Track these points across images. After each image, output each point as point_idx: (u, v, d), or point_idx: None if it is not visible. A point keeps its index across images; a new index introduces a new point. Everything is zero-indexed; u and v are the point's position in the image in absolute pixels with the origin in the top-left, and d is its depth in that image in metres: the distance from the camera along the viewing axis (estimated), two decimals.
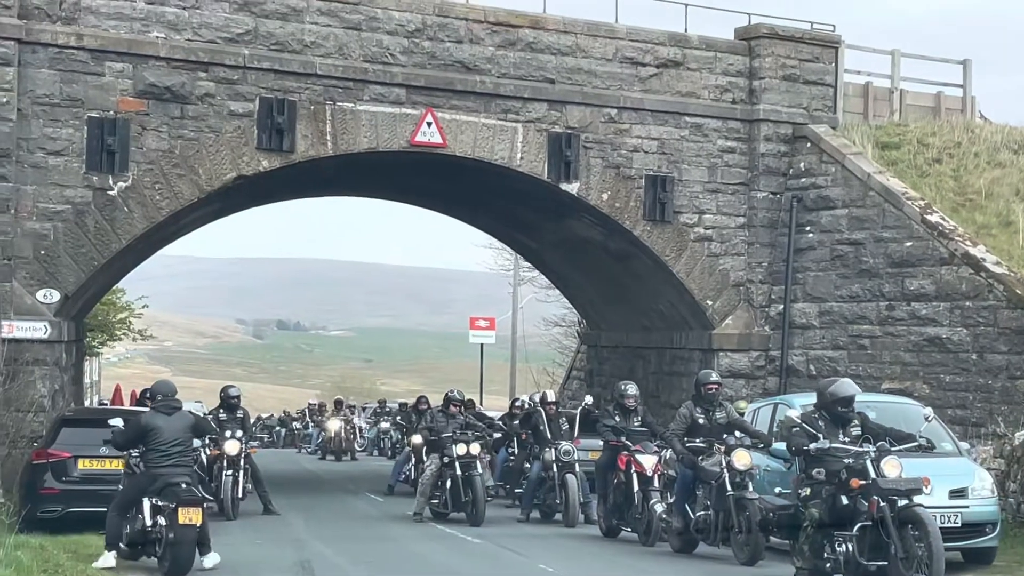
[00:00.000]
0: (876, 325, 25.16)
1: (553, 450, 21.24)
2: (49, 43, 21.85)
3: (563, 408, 23.08)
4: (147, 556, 14.99)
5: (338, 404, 43.58)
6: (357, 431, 43.02)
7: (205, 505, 14.74)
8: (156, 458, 14.78)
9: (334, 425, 40.55)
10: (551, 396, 23.05)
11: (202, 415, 23.01)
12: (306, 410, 53.64)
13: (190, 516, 14.20)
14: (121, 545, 15.05)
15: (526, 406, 25.78)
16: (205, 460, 21.76)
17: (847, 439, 13.72)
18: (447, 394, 22.93)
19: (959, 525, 15.81)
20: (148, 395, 26.42)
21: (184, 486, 14.54)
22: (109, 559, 14.96)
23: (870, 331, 25.26)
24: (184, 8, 22.88)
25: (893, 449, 13.69)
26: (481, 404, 30.53)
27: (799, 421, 14.02)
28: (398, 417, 36.56)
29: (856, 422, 13.98)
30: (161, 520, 14.47)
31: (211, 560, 14.85)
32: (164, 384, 15.94)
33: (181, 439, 14.93)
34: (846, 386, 14.07)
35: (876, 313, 25.21)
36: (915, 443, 14.10)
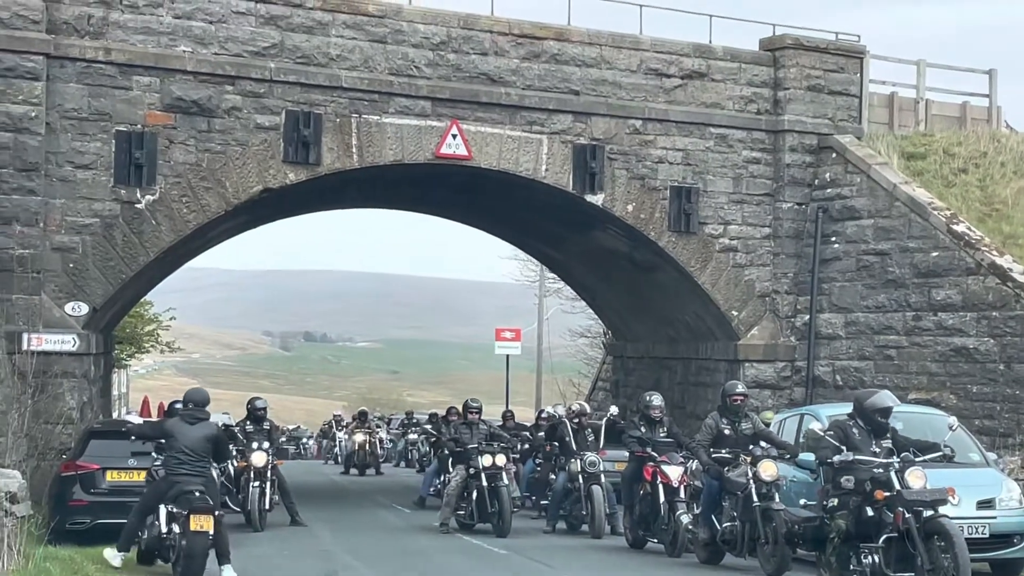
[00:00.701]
0: (903, 335, 25.10)
1: (579, 461, 21.24)
2: (77, 57, 22.01)
3: (589, 419, 23.05)
4: (163, 562, 15.17)
5: (362, 416, 42.08)
6: (378, 443, 42.01)
7: (219, 514, 14.80)
8: (173, 464, 14.99)
9: (359, 438, 39.47)
10: (587, 408, 23.10)
11: (232, 426, 23.15)
12: (332, 421, 52.43)
13: (201, 523, 14.30)
14: (137, 549, 15.31)
15: (552, 416, 25.75)
16: (232, 472, 21.85)
17: (878, 450, 13.73)
18: (466, 402, 23.00)
19: (986, 536, 15.74)
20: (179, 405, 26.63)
21: (197, 494, 14.63)
22: (117, 559, 15.27)
23: (896, 341, 25.21)
24: (211, 22, 23.02)
25: (917, 460, 13.66)
26: (512, 416, 30.33)
27: (821, 433, 14.03)
28: (428, 427, 35.72)
29: (889, 435, 14.01)
30: (176, 527, 14.66)
31: (227, 573, 14.83)
32: (195, 392, 16.09)
33: (199, 448, 15.03)
34: (885, 398, 14.14)
35: (902, 323, 25.15)
36: (939, 453, 14.08)
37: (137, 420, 16.19)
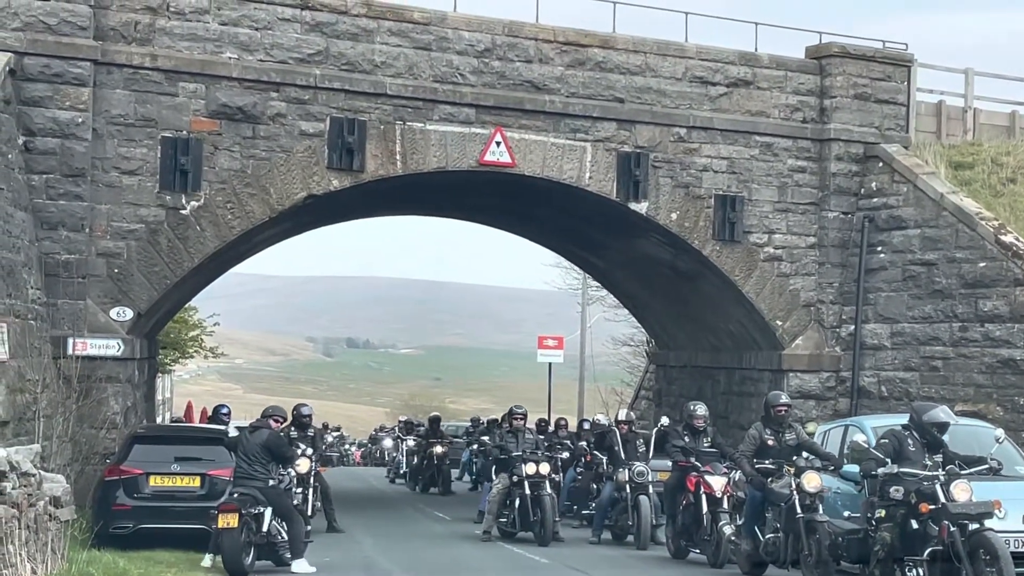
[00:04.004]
0: (949, 346, 24.88)
1: (627, 470, 21.10)
2: (124, 64, 22.14)
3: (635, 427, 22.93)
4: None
5: (434, 424, 35.31)
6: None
7: (252, 511, 15.95)
8: (236, 471, 16.51)
9: (438, 450, 32.92)
10: (623, 415, 22.97)
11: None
12: (396, 428, 47.00)
13: (228, 520, 15.57)
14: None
15: (599, 424, 25.52)
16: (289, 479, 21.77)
17: (930, 463, 13.64)
18: (511, 409, 22.94)
19: None
20: (224, 410, 26.72)
21: (236, 495, 15.96)
22: (207, 560, 16.71)
23: (943, 352, 24.99)
24: (256, 29, 23.10)
25: (963, 473, 13.53)
26: (548, 423, 30.13)
27: (865, 445, 13.96)
28: (485, 437, 29.17)
29: (942, 449, 13.94)
30: None
31: (298, 566, 16.34)
32: (270, 407, 17.72)
33: (254, 454, 16.35)
34: (942, 413, 14.11)
35: (949, 334, 24.94)
36: (986, 466, 13.95)
37: (233, 429, 17.37)
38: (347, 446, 59.22)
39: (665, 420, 23.19)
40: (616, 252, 30.11)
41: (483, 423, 38.22)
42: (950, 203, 25.34)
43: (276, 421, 17.11)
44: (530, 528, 20.86)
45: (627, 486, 20.93)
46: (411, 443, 36.77)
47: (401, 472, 37.31)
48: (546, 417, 31.21)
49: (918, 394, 24.36)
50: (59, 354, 20.77)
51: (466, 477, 36.11)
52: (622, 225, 27.13)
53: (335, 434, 57.54)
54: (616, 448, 21.83)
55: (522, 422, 22.41)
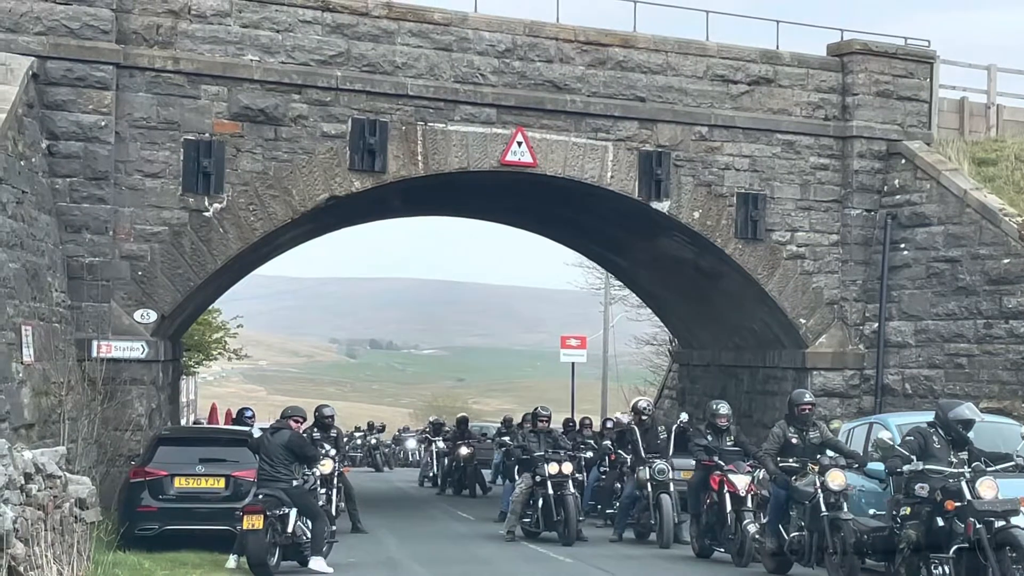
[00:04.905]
0: (973, 343, 24.80)
1: (647, 469, 21.06)
2: (146, 67, 22.22)
3: (652, 416, 22.81)
4: None
5: (462, 424, 35.02)
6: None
7: (276, 512, 15.94)
8: (259, 473, 16.53)
9: (463, 451, 32.34)
10: (641, 403, 22.92)
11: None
12: (425, 430, 45.40)
13: (253, 522, 15.58)
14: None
15: (619, 423, 25.51)
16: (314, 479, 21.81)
17: (955, 461, 13.60)
18: (536, 410, 22.93)
19: None
20: (248, 413, 26.76)
21: (261, 496, 15.99)
22: (231, 561, 16.71)
23: (967, 349, 24.90)
24: (277, 31, 23.16)
25: (989, 470, 13.49)
26: (575, 423, 29.99)
27: (890, 442, 13.91)
28: (507, 438, 29.74)
29: (967, 447, 13.90)
30: None
31: (316, 564, 16.32)
32: (289, 407, 17.68)
33: (277, 456, 16.32)
34: (967, 410, 14.07)
35: (973, 331, 24.85)
36: (1012, 463, 13.90)
37: (257, 431, 17.44)
38: (392, 445, 53.20)
39: (684, 416, 23.21)
40: (638, 251, 30.08)
41: (515, 424, 35.17)
42: (973, 199, 25.25)
43: (296, 422, 17.13)
44: (554, 528, 20.85)
45: (648, 484, 20.89)
46: (441, 445, 35.92)
47: (431, 475, 36.25)
48: (572, 417, 31.08)
49: (943, 391, 24.28)
50: (84, 356, 20.88)
51: (499, 480, 32.55)
52: (644, 224, 27.10)
53: (377, 435, 51.03)
54: (637, 443, 21.78)
55: (547, 423, 22.40)
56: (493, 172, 24.81)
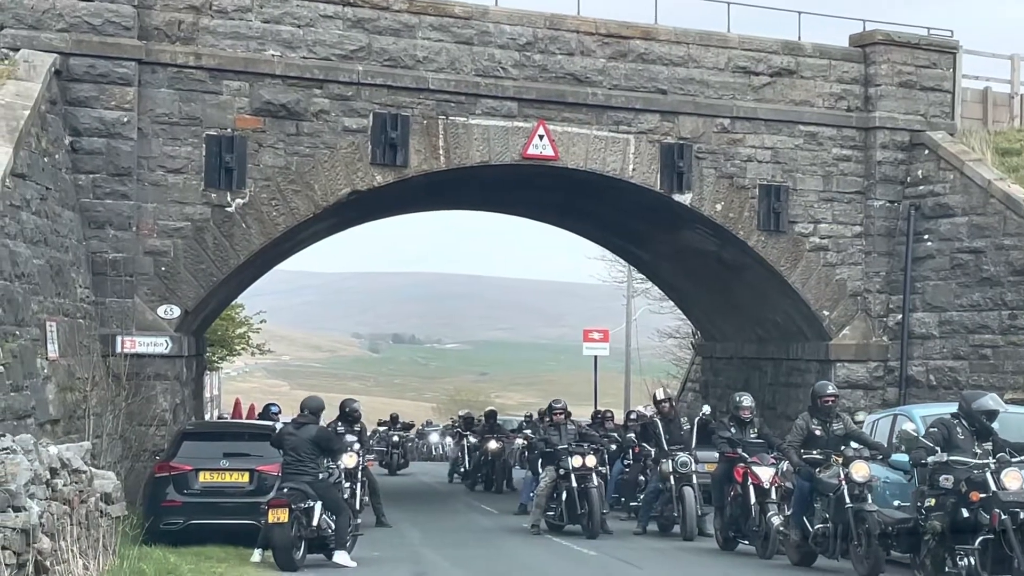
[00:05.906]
0: (998, 334, 24.70)
1: (670, 462, 21.05)
2: (168, 63, 22.27)
3: (676, 406, 22.81)
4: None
5: (490, 418, 34.74)
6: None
7: (302, 505, 16.02)
8: (284, 467, 16.62)
9: (492, 446, 31.37)
10: (660, 394, 22.90)
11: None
12: (454, 424, 44.38)
13: (278, 516, 15.68)
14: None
15: (643, 416, 25.50)
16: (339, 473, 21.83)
17: (980, 451, 13.56)
18: (550, 404, 22.96)
19: None
20: (274, 408, 26.84)
21: (286, 490, 16.03)
22: (256, 555, 16.65)
23: (992, 340, 24.80)
24: (299, 26, 23.19)
25: (1014, 460, 13.45)
26: (600, 415, 29.83)
27: (914, 434, 13.89)
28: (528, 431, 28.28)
29: (992, 437, 13.87)
30: None
31: (339, 557, 16.35)
32: (309, 400, 17.63)
33: (302, 450, 16.39)
34: (991, 401, 14.06)
35: (998, 322, 24.75)
36: None
37: (279, 424, 17.52)
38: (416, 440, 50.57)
39: (707, 408, 23.18)
40: (661, 244, 30.04)
41: (534, 418, 34.02)
42: (997, 190, 25.14)
43: (314, 414, 17.22)
44: (577, 521, 20.84)
45: (671, 477, 20.87)
46: (472, 439, 34.49)
47: (461, 470, 35.10)
48: (600, 410, 30.94)
49: (967, 383, 24.17)
50: (108, 352, 20.97)
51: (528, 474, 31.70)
52: (666, 217, 27.07)
53: (400, 433, 44.96)
54: (660, 436, 21.79)
55: (562, 416, 22.38)
56: (514, 166, 24.80)
